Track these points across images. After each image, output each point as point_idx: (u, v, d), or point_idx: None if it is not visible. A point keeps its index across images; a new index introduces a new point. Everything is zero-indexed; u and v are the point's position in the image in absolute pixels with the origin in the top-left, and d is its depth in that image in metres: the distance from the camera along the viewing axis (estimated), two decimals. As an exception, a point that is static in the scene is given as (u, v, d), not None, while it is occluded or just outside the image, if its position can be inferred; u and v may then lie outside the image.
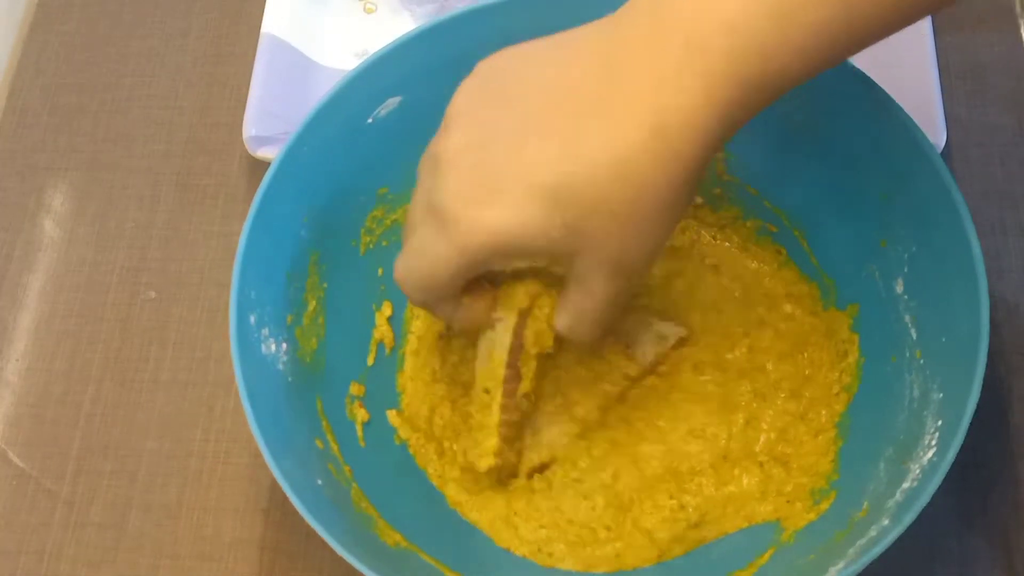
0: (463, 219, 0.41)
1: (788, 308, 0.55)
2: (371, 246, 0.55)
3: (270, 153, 0.60)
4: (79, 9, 0.69)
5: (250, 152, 0.61)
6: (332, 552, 0.53)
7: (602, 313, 0.45)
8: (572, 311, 0.46)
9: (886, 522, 0.43)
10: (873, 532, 0.43)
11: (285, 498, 0.54)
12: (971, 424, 0.53)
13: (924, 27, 0.61)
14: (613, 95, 0.40)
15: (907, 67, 0.60)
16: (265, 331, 0.49)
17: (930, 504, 0.52)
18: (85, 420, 0.57)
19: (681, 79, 0.39)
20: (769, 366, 0.54)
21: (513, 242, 0.41)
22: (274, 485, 0.55)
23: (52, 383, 0.58)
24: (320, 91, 0.53)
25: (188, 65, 0.67)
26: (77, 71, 0.67)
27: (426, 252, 0.43)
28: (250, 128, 0.61)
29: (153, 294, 0.60)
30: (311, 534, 0.54)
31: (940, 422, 0.45)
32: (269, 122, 0.61)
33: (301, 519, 0.54)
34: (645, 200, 0.40)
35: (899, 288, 0.50)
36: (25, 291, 0.61)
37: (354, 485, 0.50)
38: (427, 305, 0.47)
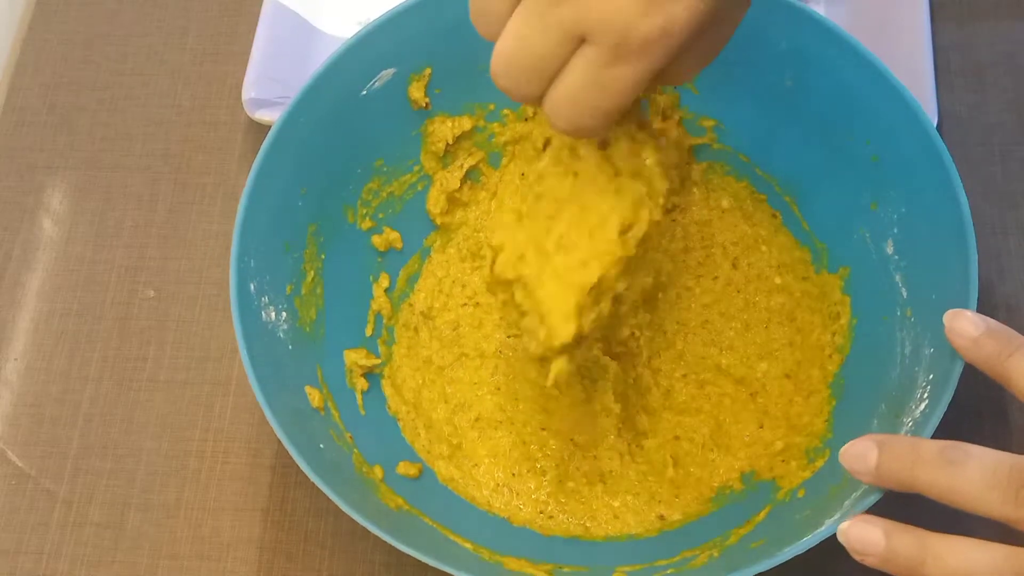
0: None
1: (778, 279, 0.56)
2: (368, 218, 0.56)
3: (267, 116, 0.61)
4: (78, 8, 0.69)
5: (248, 114, 0.61)
6: (330, 552, 0.53)
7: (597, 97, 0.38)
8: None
9: None
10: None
11: (284, 498, 0.55)
12: (971, 424, 0.53)
13: (921, 16, 0.61)
14: None
15: (902, 49, 0.59)
16: (265, 299, 0.50)
17: (931, 504, 0.52)
18: (84, 419, 0.57)
19: None
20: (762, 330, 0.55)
21: None
22: (273, 484, 0.55)
23: (50, 382, 0.58)
24: (321, 58, 0.53)
25: (187, 64, 0.67)
26: (76, 70, 0.67)
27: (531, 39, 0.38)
28: (249, 91, 0.61)
29: (152, 293, 0.60)
30: (309, 534, 0.54)
31: (932, 375, 0.46)
32: (268, 86, 0.61)
33: (300, 519, 0.54)
34: None
35: (889, 249, 0.51)
36: (24, 290, 0.60)
37: (355, 451, 0.50)
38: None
